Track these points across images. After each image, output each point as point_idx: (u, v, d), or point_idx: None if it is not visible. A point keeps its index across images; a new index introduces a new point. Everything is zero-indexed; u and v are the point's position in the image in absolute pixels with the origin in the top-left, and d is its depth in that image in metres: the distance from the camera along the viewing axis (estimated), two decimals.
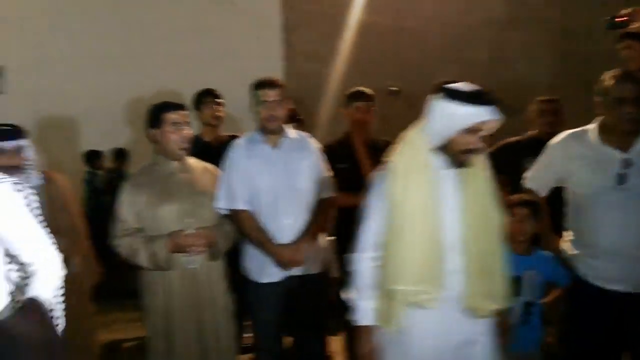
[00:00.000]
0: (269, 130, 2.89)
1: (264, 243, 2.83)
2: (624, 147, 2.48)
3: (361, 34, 5.50)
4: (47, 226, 2.02)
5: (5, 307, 1.82)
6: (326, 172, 3.02)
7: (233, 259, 3.01)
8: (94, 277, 3.10)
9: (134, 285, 2.95)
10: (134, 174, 2.97)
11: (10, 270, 1.89)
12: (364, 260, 2.17)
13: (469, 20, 5.45)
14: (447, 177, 2.10)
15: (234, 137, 3.76)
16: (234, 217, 2.88)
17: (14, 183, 1.93)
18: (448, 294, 2.04)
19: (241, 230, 2.90)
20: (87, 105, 5.76)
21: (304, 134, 3.08)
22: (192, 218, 2.76)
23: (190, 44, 5.58)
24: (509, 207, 2.73)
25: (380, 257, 2.13)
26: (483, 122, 2.01)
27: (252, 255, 2.93)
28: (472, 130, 2.02)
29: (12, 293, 1.86)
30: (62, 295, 2.04)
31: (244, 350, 3.46)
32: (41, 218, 2.00)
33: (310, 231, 2.89)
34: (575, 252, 2.59)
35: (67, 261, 2.10)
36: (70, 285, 2.15)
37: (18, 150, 2.71)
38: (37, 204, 2.01)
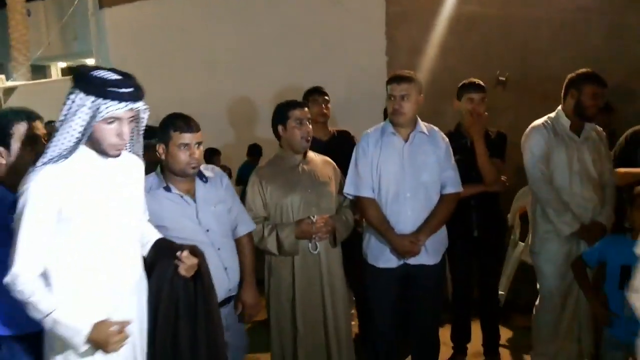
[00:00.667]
0: (396, 123, 3.00)
1: (385, 231, 2.98)
2: None
3: (465, 25, 5.39)
4: None
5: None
6: (453, 167, 3.07)
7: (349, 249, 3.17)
8: None
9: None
10: (260, 167, 3.18)
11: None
12: None
13: (582, 4, 5.18)
14: None
15: (341, 132, 3.88)
16: (359, 203, 3.05)
17: None
18: None
19: (364, 216, 3.09)
20: (201, 107, 6.15)
21: (435, 128, 3.15)
22: (315, 207, 2.97)
23: (295, 43, 5.75)
24: (633, 196, 2.63)
25: None
26: None
27: (372, 241, 3.09)
28: None
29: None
30: None
31: None
32: None
33: (430, 224, 2.99)
34: None
35: None
36: None
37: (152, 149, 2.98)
38: None
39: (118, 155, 1.99)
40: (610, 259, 2.70)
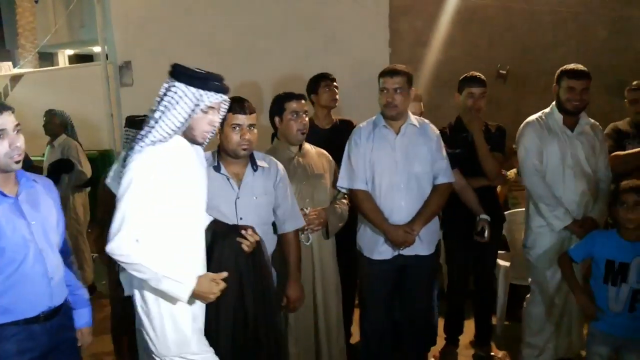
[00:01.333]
0: (389, 116, 3.03)
1: (379, 223, 3.02)
2: None
3: (469, 17, 5.40)
4: None
5: None
6: (444, 158, 3.11)
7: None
8: None
9: None
10: None
11: None
12: None
13: None
14: None
15: (344, 121, 3.91)
16: (353, 196, 3.09)
17: None
18: None
19: (359, 208, 3.12)
20: None
21: (425, 120, 3.19)
22: (309, 199, 3.00)
23: (299, 34, 5.77)
24: (619, 193, 2.66)
25: None
26: None
27: (366, 233, 3.14)
28: None
29: None
30: None
31: None
32: None
33: (424, 214, 3.03)
34: None
35: None
36: None
37: None
38: None
39: (204, 143, 2.21)
40: (596, 254, 2.73)
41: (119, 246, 2.00)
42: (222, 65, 6.04)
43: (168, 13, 6.28)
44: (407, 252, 3.06)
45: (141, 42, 6.31)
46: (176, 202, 2.10)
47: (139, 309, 2.19)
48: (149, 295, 2.15)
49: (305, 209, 2.94)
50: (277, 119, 3.04)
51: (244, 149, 2.58)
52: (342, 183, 3.10)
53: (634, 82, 3.70)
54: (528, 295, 3.49)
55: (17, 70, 10.07)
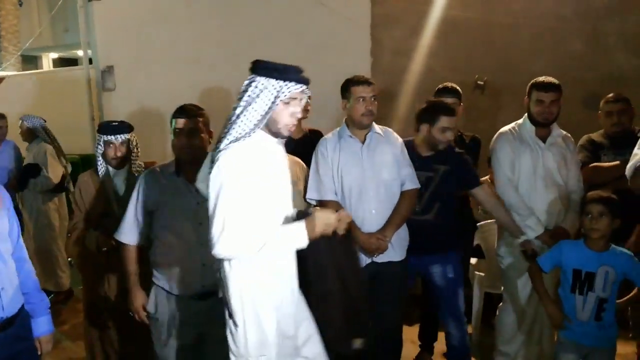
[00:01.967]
0: (364, 126, 3.11)
1: (352, 231, 2.98)
2: None
3: (449, 29, 5.46)
4: None
5: None
6: (410, 165, 3.17)
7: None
8: None
9: None
10: None
11: None
12: None
13: (562, 11, 5.27)
14: None
15: (314, 131, 3.95)
16: (323, 206, 3.06)
17: None
18: None
19: None
20: (186, 100, 6.20)
21: (388, 129, 3.26)
22: None
23: (281, 42, 5.79)
24: (585, 203, 2.72)
25: None
26: None
27: None
28: None
29: None
30: None
31: None
32: None
33: (395, 220, 3.08)
34: None
35: None
36: None
37: (125, 144, 3.19)
38: None
39: (287, 137, 2.20)
40: (563, 263, 2.78)
41: (224, 247, 2.01)
42: (204, 72, 6.13)
43: (151, 19, 6.28)
44: (380, 259, 3.10)
45: (124, 47, 6.31)
46: (266, 196, 2.10)
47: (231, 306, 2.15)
48: (237, 296, 2.12)
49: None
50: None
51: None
52: (312, 195, 3.13)
53: (610, 94, 3.77)
54: (500, 304, 3.54)
55: None
